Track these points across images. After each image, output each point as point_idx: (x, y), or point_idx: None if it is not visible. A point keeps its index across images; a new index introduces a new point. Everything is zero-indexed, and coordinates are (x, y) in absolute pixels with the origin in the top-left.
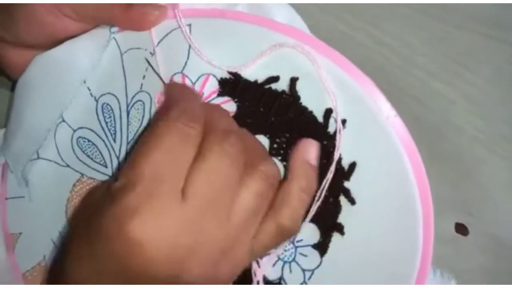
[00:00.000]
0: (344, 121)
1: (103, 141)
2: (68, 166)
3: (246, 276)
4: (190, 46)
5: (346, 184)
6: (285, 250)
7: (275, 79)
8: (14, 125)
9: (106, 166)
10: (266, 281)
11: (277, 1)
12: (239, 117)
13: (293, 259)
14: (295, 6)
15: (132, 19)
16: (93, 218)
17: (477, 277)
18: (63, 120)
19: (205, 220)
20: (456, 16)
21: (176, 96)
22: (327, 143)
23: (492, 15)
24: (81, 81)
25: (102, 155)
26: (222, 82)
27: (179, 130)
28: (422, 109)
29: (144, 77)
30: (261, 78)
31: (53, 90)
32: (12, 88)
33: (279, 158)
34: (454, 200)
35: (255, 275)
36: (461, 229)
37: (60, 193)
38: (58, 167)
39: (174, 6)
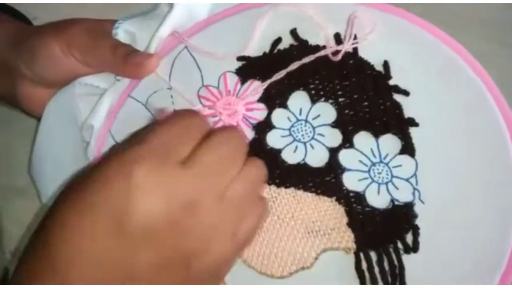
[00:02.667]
0: (355, 36)
1: None
2: None
3: None
4: (196, 62)
5: (391, 82)
6: (379, 173)
7: (278, 41)
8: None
9: None
10: (381, 211)
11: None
12: (269, 89)
13: (391, 177)
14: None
15: (130, 70)
16: (91, 169)
17: None
18: None
19: (201, 188)
20: (461, 20)
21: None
22: (353, 61)
23: (496, 19)
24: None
25: None
26: (239, 71)
27: (186, 119)
28: None
29: (174, 110)
30: (266, 48)
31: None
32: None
33: (323, 99)
34: None
35: None
36: None
37: None
38: None
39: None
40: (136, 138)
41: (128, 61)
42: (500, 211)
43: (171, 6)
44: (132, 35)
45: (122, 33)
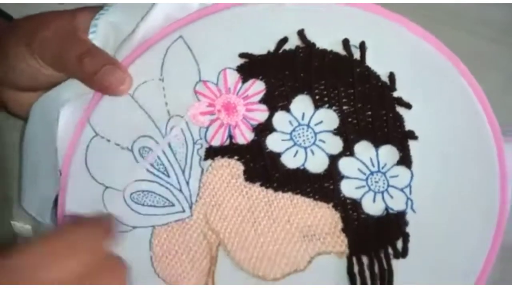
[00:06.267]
0: (363, 43)
1: (157, 183)
2: (135, 227)
3: None
4: (193, 54)
5: (395, 94)
6: (376, 182)
7: (284, 40)
8: (28, 173)
9: (173, 205)
10: (375, 218)
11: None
12: (271, 91)
13: (387, 186)
14: None
15: (98, 89)
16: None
17: None
18: (106, 187)
19: None
20: (465, 22)
21: None
22: (360, 70)
23: (501, 20)
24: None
25: (164, 197)
26: (240, 69)
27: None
28: None
29: (166, 104)
30: (271, 47)
31: (47, 132)
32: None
33: (326, 106)
34: None
35: None
36: None
37: (140, 257)
38: (126, 234)
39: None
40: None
41: (96, 81)
42: (482, 223)
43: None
44: (115, 26)
45: (102, 26)
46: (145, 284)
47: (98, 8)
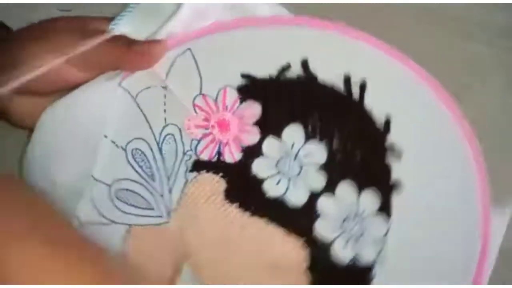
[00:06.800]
0: (364, 83)
1: (142, 185)
2: (113, 222)
3: None
4: (198, 67)
5: (388, 140)
6: (351, 228)
7: (287, 67)
8: (45, 189)
9: (153, 209)
10: (343, 265)
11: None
12: (267, 115)
13: (362, 233)
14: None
15: (134, 60)
16: None
17: None
18: (96, 180)
19: None
20: (464, 26)
21: None
22: (357, 109)
23: (500, 24)
24: (100, 133)
25: (145, 199)
26: (240, 89)
27: None
28: None
29: (165, 111)
30: (273, 72)
31: (74, 146)
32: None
33: (318, 139)
34: None
35: None
36: None
37: (112, 251)
38: (103, 227)
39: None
40: None
41: (133, 49)
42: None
43: (178, 5)
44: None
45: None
46: None
47: (109, 18)
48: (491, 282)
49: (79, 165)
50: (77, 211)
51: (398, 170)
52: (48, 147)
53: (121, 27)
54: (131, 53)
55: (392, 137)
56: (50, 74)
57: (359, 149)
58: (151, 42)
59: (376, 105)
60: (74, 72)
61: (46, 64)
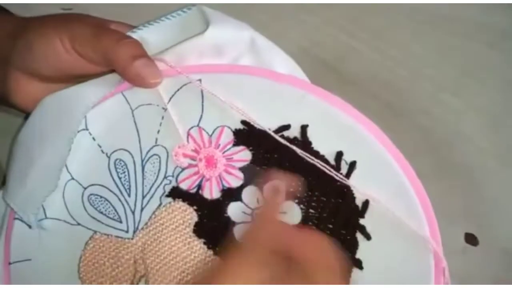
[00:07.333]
0: (354, 163)
1: (117, 196)
2: (79, 224)
3: None
4: (203, 100)
5: (361, 221)
6: None
7: (287, 127)
8: (24, 168)
9: (121, 222)
10: None
11: (277, 51)
12: (255, 164)
13: None
14: (299, 18)
15: (131, 75)
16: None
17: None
18: (72, 178)
19: None
20: (463, 27)
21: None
22: (340, 184)
23: (499, 25)
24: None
25: (116, 211)
26: (237, 133)
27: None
28: (430, 121)
29: (158, 131)
30: (273, 127)
31: (60, 129)
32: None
33: (296, 201)
34: (463, 210)
35: None
36: (470, 239)
37: (71, 252)
38: (68, 226)
39: (180, 67)
40: None
41: (132, 70)
42: None
43: (206, 20)
44: (145, 41)
45: (134, 37)
46: (63, 281)
47: (131, 26)
48: (491, 282)
49: (57, 153)
50: (46, 202)
51: (364, 250)
52: (35, 129)
53: (141, 33)
54: (130, 68)
55: (367, 220)
56: (62, 62)
57: (332, 221)
58: (154, 71)
59: (361, 185)
60: (85, 63)
61: (56, 50)
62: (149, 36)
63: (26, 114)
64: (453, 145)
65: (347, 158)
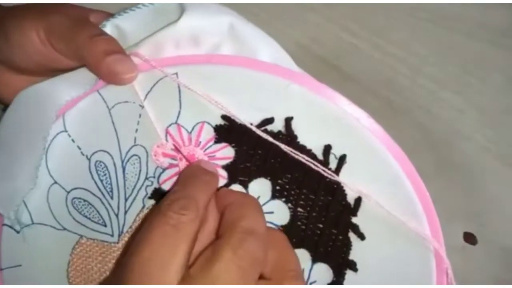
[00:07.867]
0: (344, 156)
1: (100, 199)
2: (65, 229)
3: None
4: (180, 95)
5: (354, 220)
6: None
7: (270, 120)
8: (2, 162)
9: (105, 225)
10: None
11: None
12: (238, 162)
13: None
14: (300, 16)
15: (105, 72)
16: None
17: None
18: (55, 182)
19: None
20: (464, 25)
21: (182, 182)
22: (329, 181)
23: (500, 23)
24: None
25: (100, 214)
26: (217, 129)
27: (168, 220)
28: (431, 119)
29: (136, 130)
30: (255, 121)
31: (34, 126)
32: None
33: (283, 200)
34: (463, 209)
35: None
36: (469, 238)
37: (59, 257)
38: (54, 231)
39: (155, 60)
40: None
41: (105, 66)
42: None
43: (182, 8)
44: (122, 31)
45: (109, 28)
46: (54, 283)
47: (111, 14)
48: (490, 281)
49: (33, 150)
50: (32, 207)
51: (358, 250)
52: (11, 124)
53: (117, 21)
54: (103, 65)
55: (360, 218)
56: (38, 54)
57: (323, 220)
58: (128, 65)
59: (352, 181)
60: (61, 57)
61: (32, 42)
62: (125, 25)
63: (4, 107)
64: (453, 143)
65: (336, 151)
